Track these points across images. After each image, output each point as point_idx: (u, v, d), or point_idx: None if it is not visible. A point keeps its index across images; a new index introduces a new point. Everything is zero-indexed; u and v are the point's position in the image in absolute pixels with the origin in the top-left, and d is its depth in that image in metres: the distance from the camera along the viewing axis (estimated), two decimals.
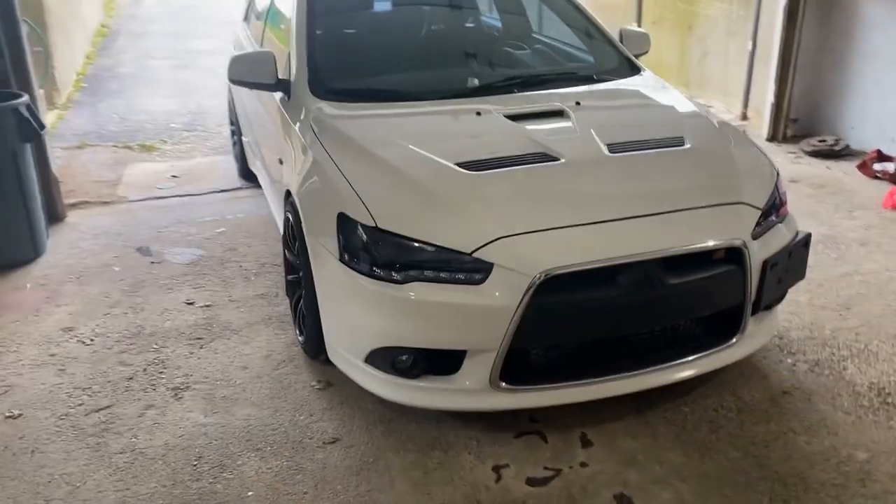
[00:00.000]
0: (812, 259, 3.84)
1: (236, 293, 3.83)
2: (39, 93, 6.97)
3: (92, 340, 3.43)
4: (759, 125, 6.37)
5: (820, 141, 5.97)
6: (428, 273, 2.46)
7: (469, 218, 2.52)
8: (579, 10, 4.02)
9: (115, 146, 6.48)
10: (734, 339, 2.78)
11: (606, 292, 2.48)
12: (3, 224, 4.09)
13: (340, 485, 2.50)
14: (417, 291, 2.45)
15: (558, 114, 3.11)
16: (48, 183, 4.64)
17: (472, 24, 4.09)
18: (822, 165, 5.65)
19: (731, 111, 6.88)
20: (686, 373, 2.75)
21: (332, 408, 2.89)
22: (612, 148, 2.86)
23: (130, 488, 2.51)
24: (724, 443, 2.67)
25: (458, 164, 2.71)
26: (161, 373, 3.16)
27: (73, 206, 5.10)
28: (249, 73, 3.47)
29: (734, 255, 2.62)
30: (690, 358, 2.74)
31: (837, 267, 3.99)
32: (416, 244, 2.47)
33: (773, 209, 2.87)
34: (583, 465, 2.58)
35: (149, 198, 5.31)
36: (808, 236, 2.94)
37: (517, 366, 2.54)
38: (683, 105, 3.38)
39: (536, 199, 2.62)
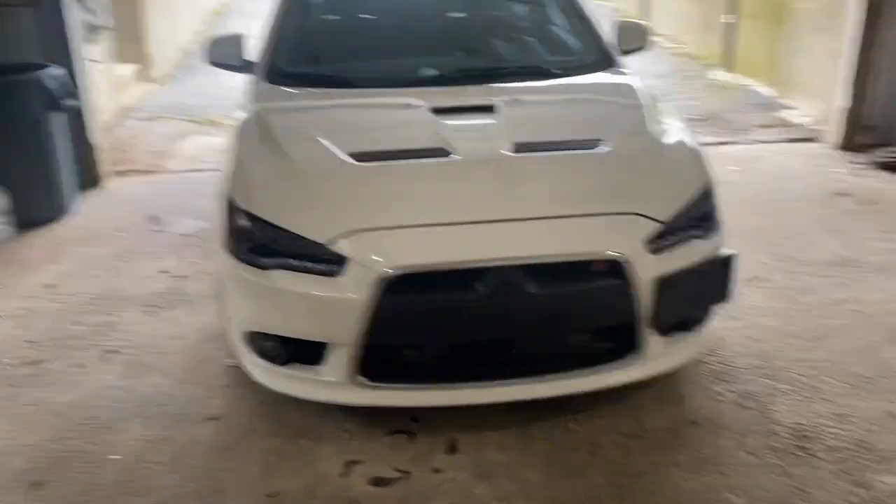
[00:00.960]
0: (811, 280, 3.50)
1: (213, 266, 3.99)
2: (129, 67, 7.54)
3: (64, 299, 3.69)
4: (832, 131, 5.81)
5: (893, 152, 5.38)
6: (290, 262, 2.47)
7: (334, 209, 2.50)
8: (571, 1, 3.84)
9: (184, 120, 6.89)
10: (629, 358, 2.60)
11: (462, 295, 2.39)
12: (25, 186, 4.47)
13: (198, 461, 2.58)
14: (278, 279, 2.47)
15: (487, 109, 3.00)
16: (85, 150, 5.02)
17: (463, 13, 3.99)
18: (886, 179, 5.09)
19: (811, 114, 6.33)
20: (573, 388, 2.60)
21: (230, 386, 2.97)
22: (519, 148, 2.73)
23: (18, 438, 2.70)
24: (595, 468, 2.50)
25: (352, 155, 2.69)
26: (104, 335, 3.37)
27: (121, 173, 5.49)
28: (222, 55, 3.59)
29: (617, 269, 2.44)
30: (579, 373, 2.59)
31: (835, 292, 3.61)
32: (281, 232, 2.49)
33: (691, 223, 2.64)
34: (436, 471, 2.51)
35: (189, 170, 5.61)
36: (730, 257, 2.68)
37: (379, 362, 2.51)
38: (631, 105, 3.17)
39: (411, 194, 2.56)
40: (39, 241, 4.37)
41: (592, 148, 2.78)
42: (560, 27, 3.83)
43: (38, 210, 4.55)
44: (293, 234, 2.46)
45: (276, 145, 2.82)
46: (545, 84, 3.33)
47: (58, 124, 4.59)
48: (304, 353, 2.55)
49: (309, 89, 3.29)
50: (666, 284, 2.51)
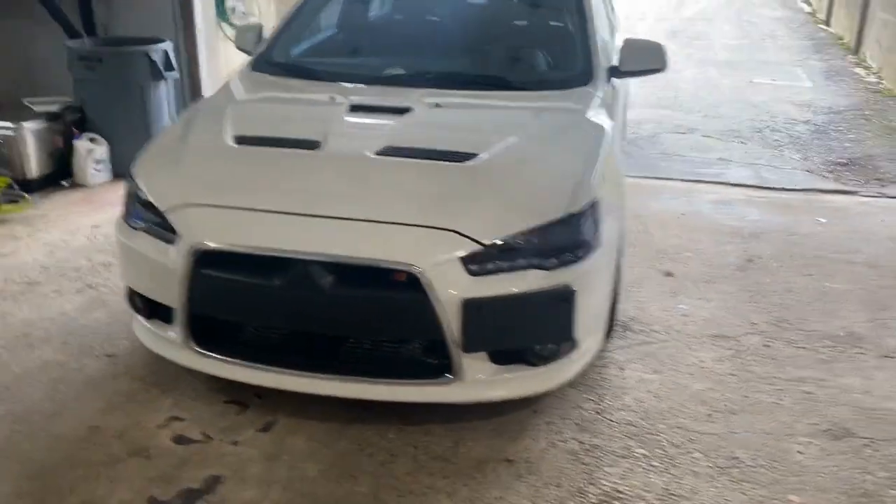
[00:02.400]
0: (792, 352, 3.28)
1: None
2: None
3: (95, 238, 4.29)
4: None
5: None
6: (150, 226, 2.73)
7: (182, 182, 2.71)
8: (583, 15, 3.67)
9: None
10: (446, 379, 2.52)
11: (263, 281, 2.48)
12: (124, 140, 5.19)
13: (68, 387, 2.93)
14: (136, 240, 2.74)
15: (401, 111, 3.02)
16: None
17: (469, 20, 3.98)
18: None
19: None
20: (385, 395, 2.58)
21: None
22: (386, 151, 2.74)
23: None
24: (373, 477, 2.47)
25: (237, 137, 2.88)
26: (97, 274, 3.87)
27: None
28: (244, 40, 3.95)
29: (416, 283, 2.38)
30: (396, 382, 2.57)
31: (804, 370, 3.12)
32: (143, 196, 2.75)
33: (536, 251, 2.48)
34: (235, 443, 2.63)
35: None
36: (569, 294, 2.47)
37: (209, 332, 2.68)
38: (550, 128, 3.03)
39: (255, 178, 2.69)
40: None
41: (459, 161, 2.70)
42: (560, 40, 3.68)
43: (131, 162, 5.26)
44: (149, 201, 2.71)
45: (190, 124, 3.09)
46: (493, 95, 3.26)
47: (161, 91, 5.28)
48: (160, 311, 2.79)
49: (278, 78, 3.51)
50: (475, 308, 2.41)
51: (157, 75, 5.19)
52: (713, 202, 5.01)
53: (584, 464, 2.56)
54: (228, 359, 2.69)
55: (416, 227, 2.46)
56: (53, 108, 5.17)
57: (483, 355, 2.55)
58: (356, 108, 3.07)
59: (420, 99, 3.13)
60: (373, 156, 2.73)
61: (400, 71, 3.46)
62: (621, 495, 2.42)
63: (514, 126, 3.04)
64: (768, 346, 3.30)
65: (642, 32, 10.99)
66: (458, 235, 2.43)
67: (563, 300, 2.48)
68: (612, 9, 5.21)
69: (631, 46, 3.57)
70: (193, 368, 2.77)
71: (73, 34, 5.59)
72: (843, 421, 2.80)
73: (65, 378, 2.99)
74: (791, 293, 3.77)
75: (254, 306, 2.57)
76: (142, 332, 2.91)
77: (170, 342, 2.77)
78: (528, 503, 2.39)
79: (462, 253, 2.41)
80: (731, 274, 3.97)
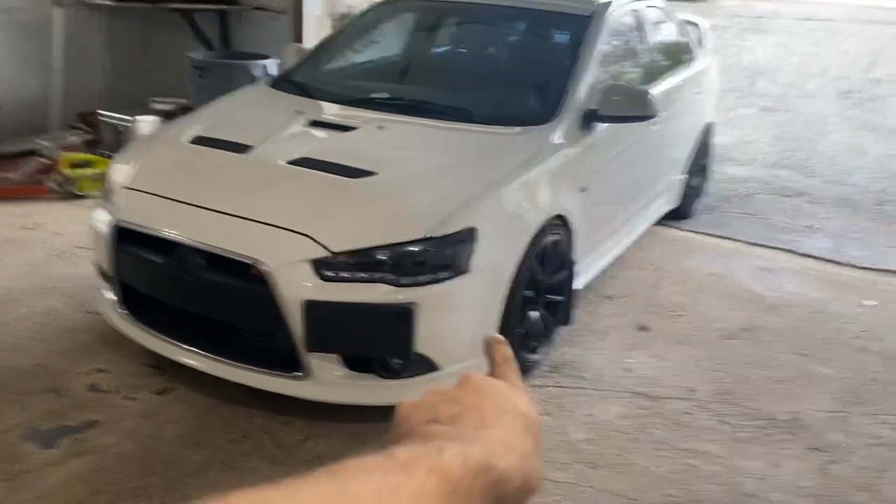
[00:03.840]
0: (701, 422, 3.13)
1: None
2: None
3: None
4: None
5: None
6: (104, 203, 3.20)
7: (128, 168, 3.14)
8: (576, 55, 3.70)
9: None
10: (297, 374, 2.73)
11: (154, 259, 2.84)
12: None
13: (44, 333, 3.45)
14: (96, 214, 3.22)
15: (347, 129, 3.28)
16: None
17: (475, 55, 4.12)
18: None
19: None
20: (247, 380, 2.83)
21: None
22: (298, 161, 2.99)
23: None
24: (215, 449, 2.72)
25: (192, 138, 3.27)
26: None
27: None
28: (288, 60, 4.41)
29: (265, 279, 2.61)
30: (255, 370, 2.81)
31: (707, 454, 2.91)
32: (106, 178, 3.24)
33: (389, 266, 2.62)
34: (128, 398, 3.00)
35: None
36: (405, 312, 2.57)
37: (135, 300, 3.09)
38: (464, 158, 3.16)
39: (182, 171, 3.06)
40: None
41: (353, 177, 2.89)
42: (545, 78, 3.73)
43: None
44: (109, 182, 3.19)
45: (177, 123, 3.55)
46: (443, 125, 3.39)
47: None
48: (108, 278, 3.25)
49: (279, 93, 3.87)
50: (316, 310, 2.59)
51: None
52: (755, 268, 4.68)
53: None
54: (141, 325, 3.07)
55: (276, 229, 2.70)
56: (170, 107, 5.99)
57: (335, 358, 2.72)
58: (313, 123, 3.36)
59: (370, 121, 3.35)
60: (283, 163, 3.00)
61: (383, 95, 3.71)
62: None
63: (432, 153, 3.17)
64: (689, 414, 3.11)
65: (812, 89, 10.30)
66: (311, 241, 2.63)
67: (400, 316, 2.59)
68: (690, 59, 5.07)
69: (612, 91, 3.54)
70: (117, 329, 3.18)
71: (209, 47, 6.45)
72: (703, 500, 2.61)
73: (50, 323, 3.54)
74: (765, 369, 3.48)
75: (149, 280, 2.94)
76: (99, 296, 3.38)
77: (109, 307, 3.21)
78: None
79: (311, 257, 2.60)
80: (714, 340, 3.74)
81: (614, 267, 4.43)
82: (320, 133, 3.30)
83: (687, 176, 5.18)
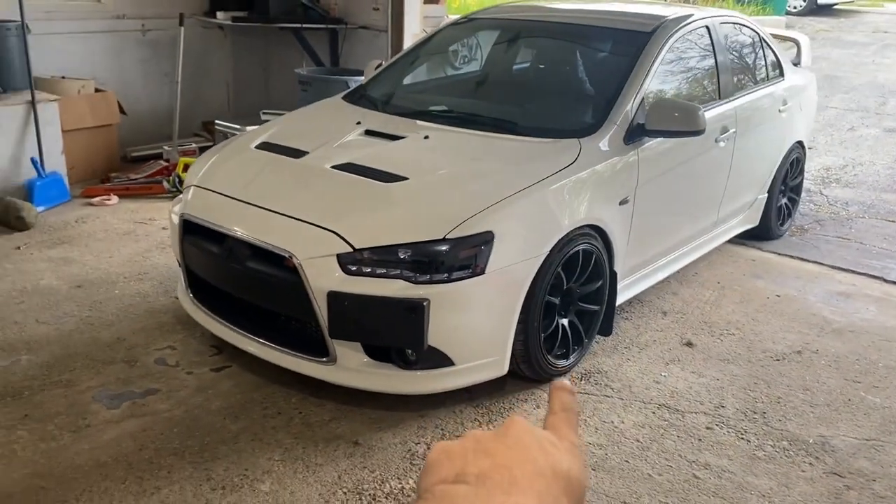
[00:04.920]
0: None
1: None
2: None
3: None
4: None
5: None
6: (178, 198, 3.61)
7: (200, 169, 3.52)
8: (630, 69, 3.77)
9: None
10: (323, 358, 2.99)
11: (211, 248, 3.19)
12: None
13: (131, 312, 3.93)
14: (173, 208, 3.63)
15: (397, 138, 3.53)
16: None
17: (539, 69, 4.25)
18: None
19: None
20: (283, 362, 3.12)
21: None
22: (341, 166, 3.26)
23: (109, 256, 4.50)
24: (249, 421, 3.02)
25: (260, 143, 3.62)
26: None
27: None
28: (367, 73, 4.74)
29: (296, 269, 2.89)
30: (291, 353, 3.10)
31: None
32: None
33: (407, 263, 2.84)
34: (188, 373, 3.37)
35: None
36: (418, 306, 2.77)
37: (200, 286, 3.46)
38: (496, 166, 3.30)
39: (243, 172, 3.40)
40: None
41: (387, 181, 3.12)
42: (594, 91, 3.82)
43: None
44: (185, 180, 3.60)
45: (253, 130, 3.92)
46: (488, 136, 3.55)
47: None
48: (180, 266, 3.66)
49: (349, 105, 4.17)
50: (337, 299, 2.85)
51: None
52: (831, 292, 4.51)
53: (412, 464, 2.82)
54: (204, 308, 3.44)
55: (308, 225, 2.97)
56: (275, 118, 6.50)
57: (358, 346, 2.95)
58: (367, 132, 3.63)
59: (419, 131, 3.58)
60: (328, 168, 3.28)
61: (437, 108, 3.95)
62: (413, 494, 2.65)
63: (468, 161, 3.35)
64: (709, 428, 3.10)
65: None
66: (337, 237, 2.89)
67: (413, 310, 2.79)
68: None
69: (660, 105, 3.59)
70: (186, 311, 3.57)
71: (318, 63, 6.94)
72: None
73: (137, 304, 4.01)
74: (806, 392, 3.40)
75: (207, 268, 3.30)
76: (178, 283, 3.80)
77: (182, 289, 3.61)
78: (336, 475, 2.74)
79: (337, 252, 2.86)
80: (760, 360, 3.67)
81: (677, 283, 4.43)
82: (371, 141, 3.56)
83: (767, 195, 5.05)
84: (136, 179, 5.94)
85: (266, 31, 7.15)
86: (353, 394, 3.13)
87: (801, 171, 5.52)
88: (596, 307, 3.47)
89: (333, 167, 3.29)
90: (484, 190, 3.08)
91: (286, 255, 2.92)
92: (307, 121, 4.09)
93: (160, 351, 3.55)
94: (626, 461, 2.88)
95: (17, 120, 5.33)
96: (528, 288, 3.03)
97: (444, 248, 2.85)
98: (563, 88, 4.13)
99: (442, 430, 3.02)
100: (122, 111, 6.23)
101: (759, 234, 5.19)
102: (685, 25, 4.12)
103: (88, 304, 3.97)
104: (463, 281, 2.85)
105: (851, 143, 7.95)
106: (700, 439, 3.03)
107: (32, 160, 5.36)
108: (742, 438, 3.05)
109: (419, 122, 3.74)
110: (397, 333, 2.89)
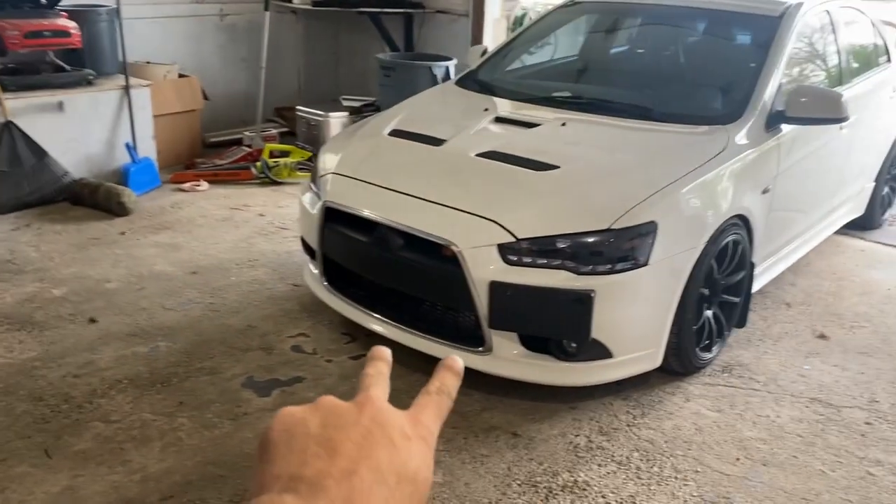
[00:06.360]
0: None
1: None
2: None
3: None
4: None
5: None
6: (311, 187, 3.56)
7: (335, 157, 3.48)
8: (766, 54, 3.68)
9: None
10: (479, 349, 2.95)
11: (357, 236, 3.15)
12: None
13: (253, 299, 3.91)
14: (304, 197, 3.58)
15: (532, 125, 3.46)
16: None
17: (665, 54, 4.16)
18: None
19: None
20: (432, 350, 3.05)
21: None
22: (486, 154, 3.20)
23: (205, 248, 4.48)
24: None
25: (392, 130, 3.57)
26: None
27: None
28: (472, 59, 4.67)
29: (457, 259, 2.84)
30: (443, 342, 3.06)
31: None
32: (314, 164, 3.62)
33: (569, 253, 2.78)
34: (328, 360, 3.35)
35: None
36: (584, 297, 2.71)
37: (336, 274, 3.43)
38: (645, 154, 3.24)
39: (383, 160, 3.35)
40: None
41: (538, 170, 3.06)
42: (732, 77, 3.73)
43: None
44: (317, 168, 3.56)
45: (377, 117, 3.87)
46: (624, 123, 3.48)
47: None
48: (313, 253, 3.63)
49: (468, 91, 4.11)
50: (501, 290, 2.80)
51: (435, 85, 6.16)
52: None
53: (578, 456, 2.78)
54: (341, 296, 3.41)
55: (468, 215, 2.92)
56: (357, 104, 6.46)
57: (513, 336, 2.91)
58: (499, 119, 3.57)
59: (554, 118, 3.52)
60: (473, 156, 3.22)
61: (564, 94, 3.87)
62: (588, 487, 2.61)
63: (613, 149, 3.28)
64: (870, 424, 3.03)
65: None
66: (498, 227, 2.83)
67: (579, 302, 2.74)
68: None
69: (801, 92, 3.50)
70: (320, 298, 3.54)
71: (394, 48, 6.88)
72: None
73: (257, 291, 4.00)
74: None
75: (351, 256, 3.26)
76: (305, 270, 3.77)
77: (314, 278, 3.58)
78: (505, 466, 2.71)
79: (498, 241, 2.81)
80: None
81: (793, 274, 4.34)
82: (505, 129, 3.50)
83: (875, 184, 4.95)
84: (222, 165, 5.92)
85: (339, 16, 7.09)
86: (498, 384, 3.09)
87: None
88: (737, 299, 3.41)
89: (478, 155, 3.23)
90: (641, 179, 3.01)
91: (447, 245, 2.87)
92: (432, 107, 4.03)
93: (293, 339, 3.53)
94: (794, 457, 2.82)
95: (112, 105, 5.32)
96: (686, 280, 2.98)
97: (608, 238, 2.79)
98: (692, 73, 4.04)
99: (597, 422, 2.97)
100: (205, 97, 6.21)
101: (860, 224, 5.09)
102: (811, 9, 4.02)
103: (209, 290, 3.96)
104: (627, 272, 2.79)
105: None
106: (863, 435, 2.97)
107: (127, 145, 5.36)
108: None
109: (549, 110, 3.67)
110: (561, 325, 2.84)
